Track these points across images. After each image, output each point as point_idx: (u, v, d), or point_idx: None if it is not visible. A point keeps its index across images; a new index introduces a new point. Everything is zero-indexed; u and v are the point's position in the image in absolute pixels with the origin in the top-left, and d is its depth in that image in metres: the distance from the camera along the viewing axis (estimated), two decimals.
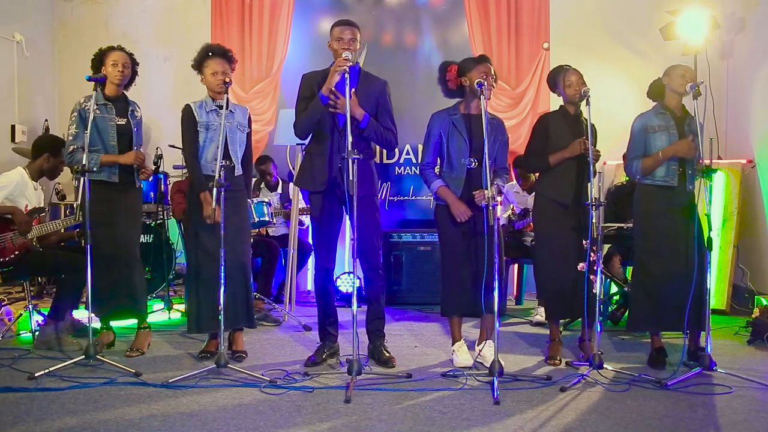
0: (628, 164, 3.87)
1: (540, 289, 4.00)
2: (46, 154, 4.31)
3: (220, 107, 3.79)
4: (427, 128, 3.86)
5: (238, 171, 3.90)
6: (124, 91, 4.05)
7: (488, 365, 3.46)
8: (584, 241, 3.71)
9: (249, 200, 4.28)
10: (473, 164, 3.73)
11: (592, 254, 3.63)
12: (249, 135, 4.01)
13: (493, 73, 3.76)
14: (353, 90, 3.60)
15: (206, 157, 3.83)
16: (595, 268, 3.61)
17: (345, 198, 3.58)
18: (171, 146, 5.53)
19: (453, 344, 3.85)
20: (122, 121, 3.95)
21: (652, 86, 3.96)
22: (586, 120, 3.73)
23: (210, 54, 3.85)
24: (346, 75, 3.48)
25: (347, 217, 3.67)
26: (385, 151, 6.31)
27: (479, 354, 3.78)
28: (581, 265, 3.69)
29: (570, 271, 3.76)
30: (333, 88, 3.61)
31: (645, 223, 3.83)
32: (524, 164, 4.03)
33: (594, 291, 3.60)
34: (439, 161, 3.86)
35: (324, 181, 3.72)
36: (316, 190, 3.77)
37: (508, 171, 3.98)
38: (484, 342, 3.82)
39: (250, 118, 4.02)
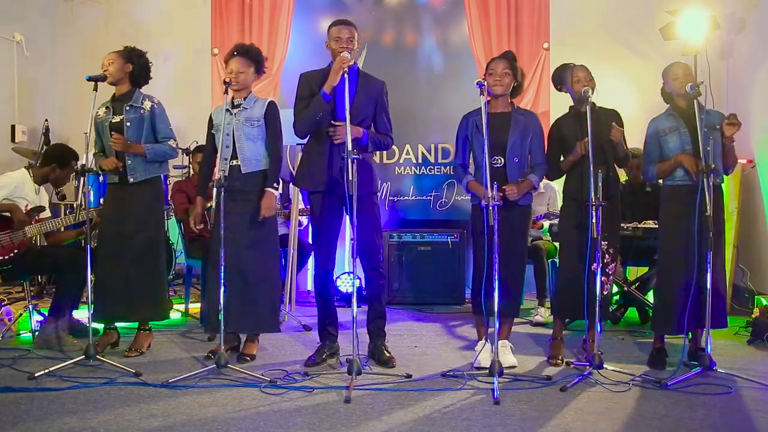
0: (645, 169, 3.92)
1: (555, 288, 4.01)
2: (54, 165, 4.33)
3: (234, 106, 3.81)
4: (457, 129, 3.90)
5: (248, 168, 3.77)
6: (138, 88, 3.97)
7: (506, 365, 3.51)
8: (602, 242, 3.70)
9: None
10: (498, 163, 3.74)
11: (596, 255, 3.63)
12: (269, 127, 3.82)
13: (499, 71, 3.85)
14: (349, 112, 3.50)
15: (221, 158, 3.74)
16: (598, 269, 3.61)
17: (345, 198, 3.54)
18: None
19: (478, 342, 3.85)
20: (116, 119, 3.90)
21: (662, 90, 3.94)
22: (604, 110, 3.80)
23: (234, 53, 3.83)
24: (346, 75, 3.49)
25: (347, 216, 3.66)
26: (385, 151, 6.30)
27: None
28: (594, 266, 3.69)
29: (583, 271, 3.74)
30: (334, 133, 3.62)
31: (666, 225, 3.84)
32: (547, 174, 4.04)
33: (604, 293, 3.62)
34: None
35: (324, 181, 3.71)
36: (316, 190, 3.77)
37: (546, 165, 3.89)
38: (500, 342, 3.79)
39: (270, 109, 3.83)
